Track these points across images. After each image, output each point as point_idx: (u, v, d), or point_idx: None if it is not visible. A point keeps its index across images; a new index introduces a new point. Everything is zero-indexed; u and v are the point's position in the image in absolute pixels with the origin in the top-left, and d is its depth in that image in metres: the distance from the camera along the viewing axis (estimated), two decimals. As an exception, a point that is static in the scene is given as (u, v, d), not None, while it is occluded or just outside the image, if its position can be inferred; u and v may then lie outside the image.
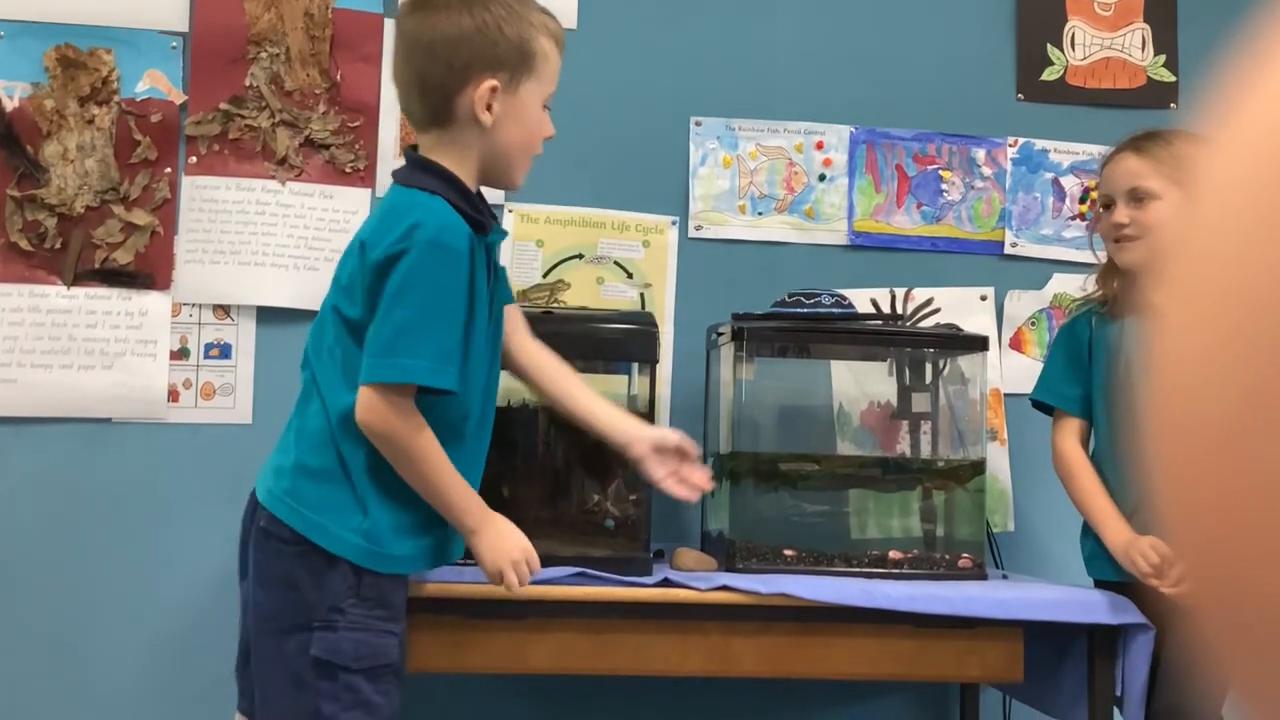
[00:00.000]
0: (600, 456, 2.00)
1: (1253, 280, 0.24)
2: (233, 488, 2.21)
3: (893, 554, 2.11)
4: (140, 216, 2.36)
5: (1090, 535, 2.13)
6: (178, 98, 2.40)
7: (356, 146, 2.44)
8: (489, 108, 1.67)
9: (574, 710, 2.43)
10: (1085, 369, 2.15)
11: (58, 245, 2.34)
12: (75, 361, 2.33)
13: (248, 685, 1.72)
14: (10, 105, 2.35)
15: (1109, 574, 2.07)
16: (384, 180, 2.44)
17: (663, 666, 1.94)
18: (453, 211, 1.64)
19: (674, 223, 2.53)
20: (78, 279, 2.34)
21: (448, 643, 1.89)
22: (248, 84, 2.41)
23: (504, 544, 1.67)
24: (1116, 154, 2.11)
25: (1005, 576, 2.25)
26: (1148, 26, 2.71)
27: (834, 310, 2.19)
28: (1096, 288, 2.18)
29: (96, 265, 2.35)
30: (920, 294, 2.57)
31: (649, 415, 2.05)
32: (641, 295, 2.51)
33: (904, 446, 2.29)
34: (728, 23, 2.57)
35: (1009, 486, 2.55)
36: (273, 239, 2.40)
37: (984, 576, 2.12)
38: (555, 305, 2.45)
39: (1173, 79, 2.70)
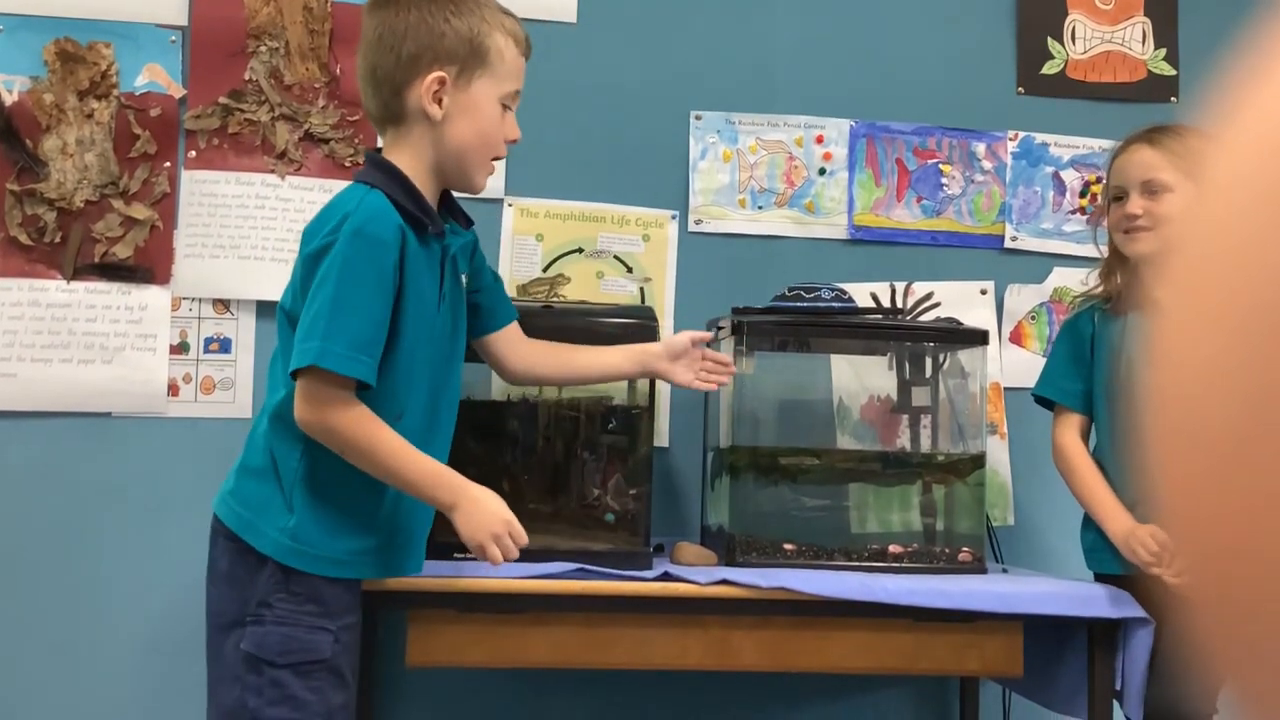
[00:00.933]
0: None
1: (1256, 283, 0.24)
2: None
3: (892, 548, 2.11)
4: (140, 211, 2.36)
5: (1090, 528, 2.13)
6: (177, 92, 2.39)
7: (356, 140, 2.44)
8: (439, 101, 1.67)
9: (574, 704, 2.43)
10: (1088, 364, 2.15)
11: (57, 239, 2.34)
12: (75, 356, 2.32)
13: None
14: (9, 99, 2.35)
15: (1109, 567, 2.07)
16: (384, 174, 2.45)
17: (662, 660, 1.95)
18: (387, 204, 1.62)
19: (674, 217, 2.53)
20: (77, 273, 2.34)
21: (447, 637, 1.89)
22: (247, 78, 2.41)
23: (483, 517, 1.63)
24: (1129, 146, 2.10)
25: (1005, 570, 2.25)
26: (1148, 20, 2.71)
27: (834, 304, 2.19)
28: (1099, 283, 2.18)
29: (96, 259, 2.35)
30: (920, 288, 2.57)
31: (649, 409, 2.05)
32: (641, 289, 2.51)
33: (904, 440, 2.29)
34: (728, 17, 2.57)
35: (1009, 480, 2.55)
36: (272, 233, 2.39)
37: (984, 570, 2.12)
38: (555, 300, 2.45)
39: (1173, 73, 2.69)
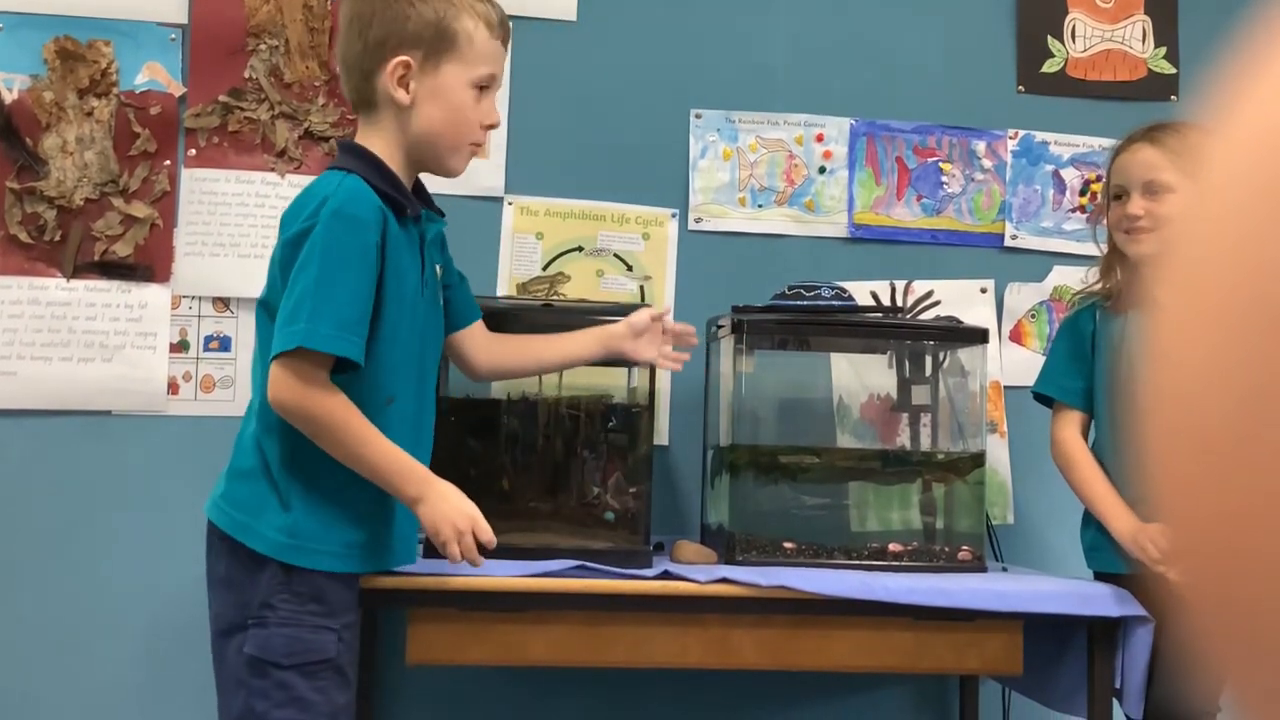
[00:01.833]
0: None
1: (1254, 280, 0.24)
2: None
3: (892, 546, 2.11)
4: (140, 209, 2.36)
5: (1091, 526, 2.13)
6: (177, 90, 2.39)
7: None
8: (405, 86, 1.67)
9: (574, 703, 2.43)
10: (1088, 362, 2.15)
11: (57, 238, 2.34)
12: (75, 354, 2.33)
13: None
14: (9, 97, 2.35)
15: (1110, 565, 2.07)
16: (383, 173, 2.44)
17: (662, 659, 1.95)
18: (365, 186, 1.62)
19: (674, 215, 2.53)
20: (77, 271, 2.34)
21: (448, 635, 1.89)
22: (247, 76, 2.41)
23: (448, 511, 1.61)
24: (1130, 144, 2.08)
25: (1005, 569, 2.25)
26: (1148, 19, 2.71)
27: (834, 303, 2.19)
28: (1099, 280, 2.18)
29: (96, 258, 2.35)
30: (920, 286, 2.57)
31: (649, 407, 2.05)
32: (641, 288, 2.51)
33: (904, 439, 2.29)
34: (728, 15, 2.57)
35: (1009, 479, 2.55)
36: (272, 231, 2.36)
37: (983, 569, 2.12)
38: (555, 298, 2.45)
39: (1173, 71, 2.69)
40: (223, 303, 2.38)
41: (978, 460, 2.18)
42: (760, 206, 2.56)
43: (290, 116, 2.42)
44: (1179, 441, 0.26)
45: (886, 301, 2.55)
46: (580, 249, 2.50)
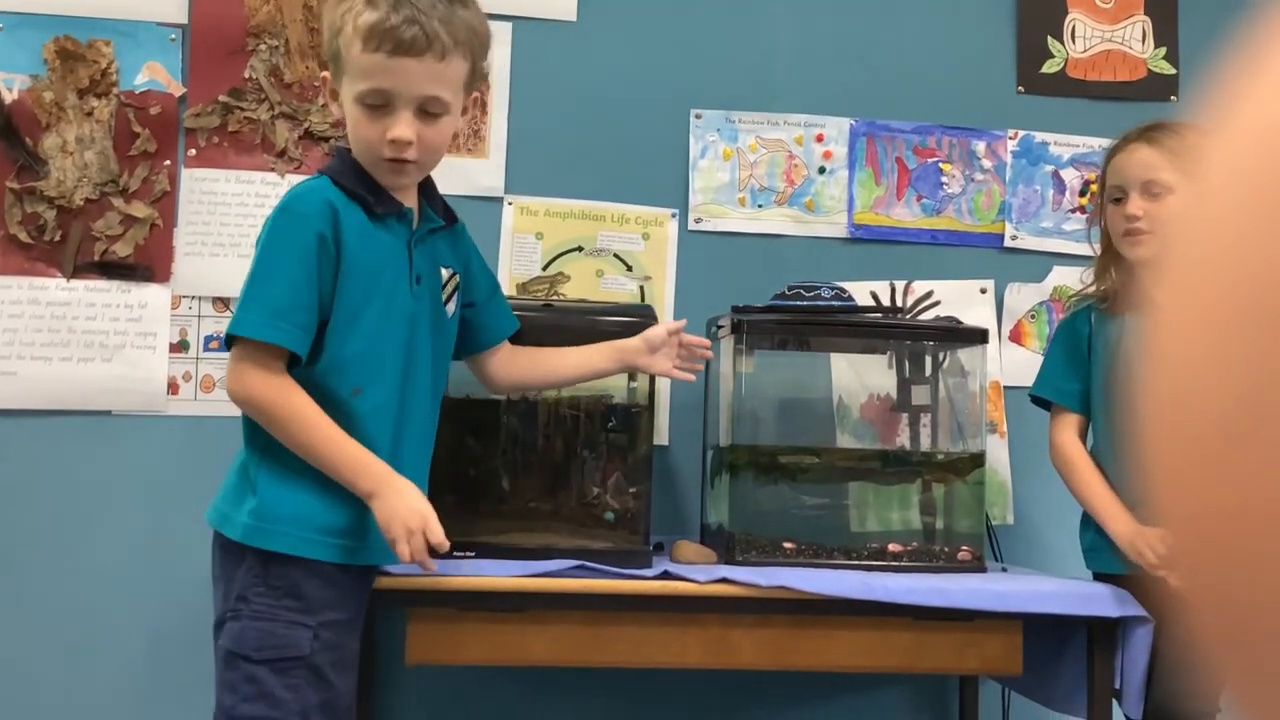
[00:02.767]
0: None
1: (1250, 280, 0.24)
2: (232, 480, 2.21)
3: (892, 547, 2.11)
4: (139, 209, 2.36)
5: (1090, 528, 2.13)
6: (177, 90, 2.39)
7: (356, 139, 2.43)
8: (333, 99, 1.69)
9: (573, 702, 2.43)
10: (1084, 364, 2.15)
11: (57, 238, 2.34)
12: (75, 354, 2.33)
13: None
14: (9, 97, 2.35)
15: (1108, 566, 2.07)
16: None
17: (662, 659, 1.95)
18: (319, 183, 1.64)
19: (674, 215, 2.53)
20: (77, 271, 2.34)
21: (447, 635, 1.89)
22: (247, 76, 2.41)
23: (401, 509, 1.57)
24: (1126, 145, 2.06)
25: (1004, 569, 2.25)
26: (1148, 19, 2.71)
27: (833, 303, 2.19)
28: (1094, 282, 2.17)
29: (96, 258, 2.35)
30: (920, 287, 2.57)
31: (649, 407, 2.05)
32: (641, 288, 2.51)
33: (903, 439, 2.29)
34: (728, 15, 2.57)
35: (1008, 479, 2.55)
36: (272, 231, 2.39)
37: (983, 569, 2.12)
38: (555, 298, 2.45)
39: (1173, 71, 2.69)
40: (223, 303, 2.38)
41: (977, 460, 2.18)
42: (760, 207, 2.56)
43: (290, 116, 2.42)
44: (1176, 441, 0.27)
45: (886, 302, 2.55)
46: (580, 249, 2.50)
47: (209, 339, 2.38)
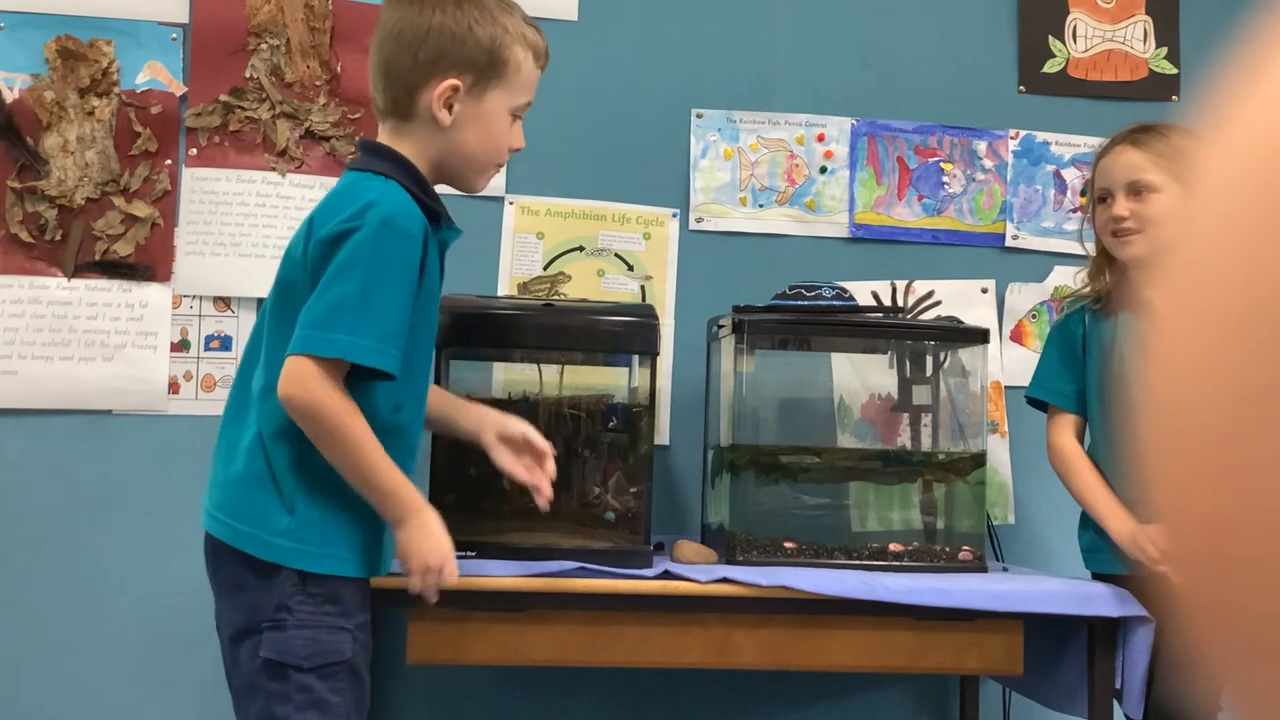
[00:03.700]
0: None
1: (1248, 284, 0.24)
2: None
3: (893, 546, 2.11)
4: (140, 208, 2.36)
5: (1088, 528, 2.13)
6: (178, 89, 2.39)
7: (357, 138, 2.43)
8: (449, 108, 1.65)
9: (574, 702, 2.43)
10: (1079, 365, 2.15)
11: (58, 237, 2.34)
12: (76, 353, 2.33)
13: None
14: (10, 97, 2.35)
15: (1108, 567, 2.07)
16: (384, 172, 2.44)
17: (662, 659, 1.95)
18: (408, 196, 1.60)
19: (675, 215, 2.53)
20: (78, 271, 2.34)
21: (448, 635, 1.89)
22: (248, 75, 2.41)
23: (427, 544, 1.59)
24: (1112, 147, 2.10)
25: (1005, 569, 2.25)
26: (1149, 19, 2.70)
27: (835, 303, 2.19)
28: (1088, 283, 2.18)
29: (97, 257, 2.35)
30: (921, 286, 2.57)
31: (650, 407, 2.05)
32: (642, 287, 2.51)
33: (904, 439, 2.29)
34: (729, 14, 2.57)
35: (1009, 479, 2.55)
36: (273, 231, 2.39)
37: (984, 569, 2.12)
38: (556, 298, 2.45)
39: (1174, 71, 2.69)
40: (223, 302, 2.38)
41: (978, 460, 2.18)
42: (761, 206, 2.56)
43: (291, 116, 2.42)
44: (1175, 445, 0.26)
45: (887, 301, 2.55)
46: (581, 249, 2.50)
47: (210, 338, 2.38)
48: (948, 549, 2.13)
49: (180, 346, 2.36)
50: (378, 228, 1.54)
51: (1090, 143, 2.62)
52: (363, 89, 2.43)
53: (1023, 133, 2.64)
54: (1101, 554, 2.08)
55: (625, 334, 2.08)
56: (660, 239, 2.52)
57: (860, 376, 2.39)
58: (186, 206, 2.38)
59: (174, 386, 2.36)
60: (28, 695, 2.30)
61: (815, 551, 2.08)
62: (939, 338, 2.24)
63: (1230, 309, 0.25)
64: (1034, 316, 2.60)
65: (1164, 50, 2.70)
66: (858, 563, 2.06)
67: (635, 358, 2.12)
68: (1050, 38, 2.67)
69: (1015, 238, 2.62)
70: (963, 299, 2.56)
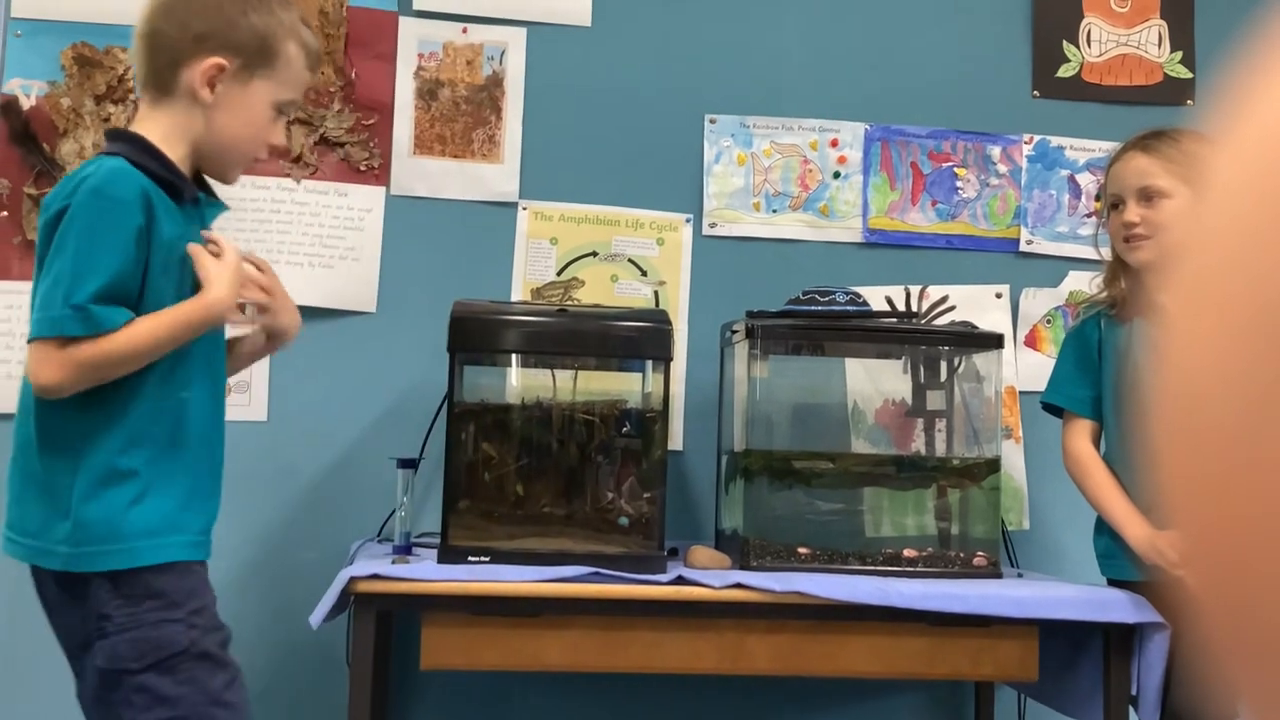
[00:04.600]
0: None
1: (1260, 287, 0.24)
2: (248, 484, 2.22)
3: (907, 552, 2.11)
4: (156, 214, 2.37)
5: (1104, 533, 2.12)
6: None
7: (371, 144, 2.44)
8: (211, 87, 1.62)
9: (588, 707, 2.43)
10: (1095, 370, 2.15)
11: (74, 243, 2.35)
12: (92, 359, 2.33)
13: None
14: (27, 103, 2.36)
15: (1123, 573, 2.06)
16: (398, 179, 2.45)
17: (676, 664, 1.94)
18: (128, 166, 1.55)
19: (688, 220, 2.53)
20: (94, 277, 2.35)
21: (462, 640, 1.89)
22: (263, 82, 2.42)
23: (222, 286, 1.58)
24: (1123, 153, 2.10)
25: (1020, 575, 2.24)
26: (1164, 23, 2.70)
27: (848, 308, 2.19)
28: (1103, 289, 2.18)
29: (113, 263, 2.35)
30: (935, 291, 2.57)
31: (663, 412, 2.05)
32: (655, 293, 2.51)
33: (918, 444, 2.29)
34: (742, 20, 2.57)
35: (1024, 484, 2.54)
36: (288, 236, 2.40)
37: (999, 575, 2.11)
38: (570, 303, 2.45)
39: (1189, 75, 2.68)
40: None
41: (993, 466, 2.17)
42: (775, 211, 2.56)
43: (305, 122, 2.42)
44: (1187, 447, 0.26)
45: (901, 307, 2.55)
46: (595, 254, 2.50)
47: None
48: (962, 554, 2.12)
49: (195, 352, 2.37)
50: (87, 199, 1.52)
51: (1105, 147, 2.61)
52: (377, 96, 2.45)
53: (1037, 137, 2.63)
54: (1117, 560, 2.07)
55: (640, 339, 2.08)
56: (673, 244, 2.52)
57: (874, 382, 2.39)
58: (202, 212, 2.39)
59: (189, 392, 2.37)
60: (29, 699, 2.31)
61: (829, 557, 2.07)
62: (953, 343, 2.24)
63: (1240, 309, 0.25)
64: (1049, 322, 2.59)
65: (1179, 54, 2.69)
66: (872, 568, 2.06)
67: (649, 363, 2.12)
68: (1064, 42, 2.66)
69: (1030, 243, 2.61)
70: (977, 304, 2.55)
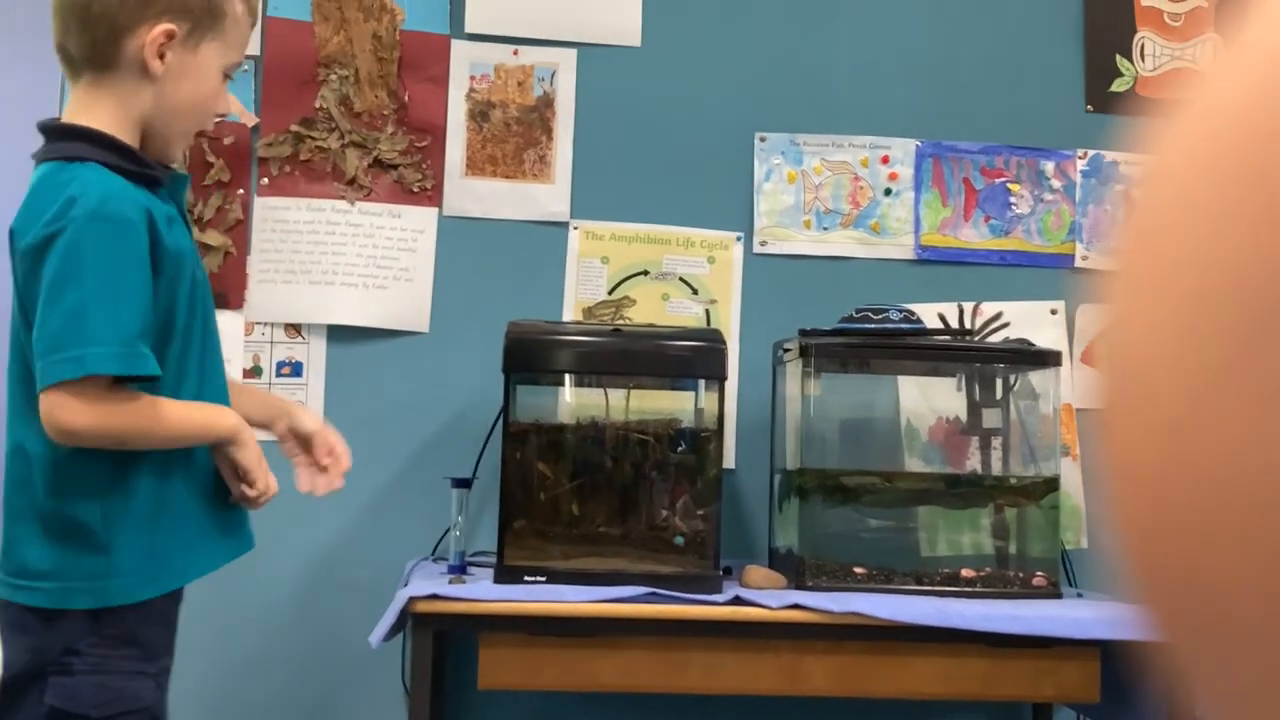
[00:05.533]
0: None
1: (1207, 271, 0.24)
2: (303, 505, 2.23)
3: (965, 572, 2.09)
4: (214, 237, 2.40)
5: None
6: (250, 120, 2.43)
7: (424, 166, 2.46)
8: (161, 56, 1.47)
9: (642, 727, 2.42)
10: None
11: (134, 266, 2.38)
12: (151, 380, 2.36)
13: None
14: (88, 129, 2.40)
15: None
16: (450, 200, 2.47)
17: (734, 685, 1.94)
18: (113, 176, 1.43)
19: (739, 238, 2.53)
20: (153, 299, 2.38)
21: (518, 659, 1.90)
22: (318, 106, 2.45)
23: (250, 449, 1.52)
24: None
25: (1080, 595, 2.22)
26: (1219, 37, 2.67)
27: (902, 326, 2.17)
28: None
29: (171, 285, 2.38)
30: (989, 308, 2.55)
31: (718, 431, 2.05)
32: (707, 311, 2.51)
33: (974, 463, 2.27)
34: (791, 37, 2.57)
35: (1082, 503, 2.51)
36: (342, 258, 2.42)
37: (1058, 595, 2.09)
38: (621, 322, 2.45)
39: (1246, 88, 2.65)
40: (294, 329, 2.41)
41: (1051, 484, 2.15)
42: (826, 229, 2.55)
43: (360, 145, 2.45)
44: (1128, 423, 0.26)
45: (954, 324, 2.53)
46: (646, 273, 2.50)
47: (281, 364, 2.41)
48: (1021, 574, 2.10)
49: (253, 373, 2.40)
50: (86, 223, 1.38)
51: (1160, 161, 2.59)
52: (430, 118, 2.47)
53: (1091, 152, 2.61)
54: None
55: (693, 358, 2.08)
56: (724, 262, 2.52)
57: (927, 399, 2.37)
58: (258, 235, 2.42)
59: (246, 412, 2.39)
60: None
61: (886, 576, 2.06)
62: (1010, 360, 2.22)
63: (1188, 296, 0.25)
64: (1105, 338, 2.57)
65: (1235, 67, 2.66)
66: (929, 588, 2.04)
67: (701, 382, 2.11)
68: (1118, 56, 2.64)
69: (1085, 258, 2.59)
70: (1031, 321, 2.53)
